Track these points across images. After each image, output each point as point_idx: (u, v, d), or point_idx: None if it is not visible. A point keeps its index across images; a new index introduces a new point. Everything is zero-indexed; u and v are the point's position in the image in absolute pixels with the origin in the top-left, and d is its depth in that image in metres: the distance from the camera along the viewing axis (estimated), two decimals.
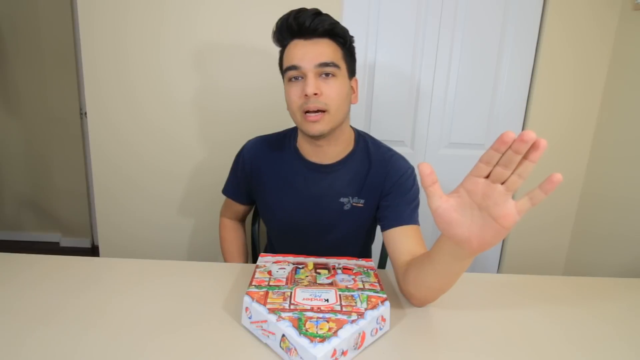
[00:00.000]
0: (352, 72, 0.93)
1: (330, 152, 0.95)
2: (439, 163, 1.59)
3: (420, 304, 0.81)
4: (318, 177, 0.97)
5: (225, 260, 1.14)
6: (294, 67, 0.85)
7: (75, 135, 2.46)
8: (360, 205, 0.98)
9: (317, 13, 0.85)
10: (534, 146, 0.49)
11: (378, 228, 1.03)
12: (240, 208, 1.13)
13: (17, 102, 2.42)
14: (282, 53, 0.92)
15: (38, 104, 2.41)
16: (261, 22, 1.43)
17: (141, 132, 1.50)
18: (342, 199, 0.97)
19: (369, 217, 1.01)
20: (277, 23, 0.89)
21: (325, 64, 0.84)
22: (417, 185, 0.97)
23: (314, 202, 0.98)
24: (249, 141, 1.05)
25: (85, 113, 2.05)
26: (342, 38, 0.88)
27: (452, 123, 1.55)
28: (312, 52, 0.85)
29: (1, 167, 2.53)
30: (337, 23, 0.87)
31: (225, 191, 1.12)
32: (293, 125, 1.01)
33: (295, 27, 0.86)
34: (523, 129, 1.56)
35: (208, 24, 1.42)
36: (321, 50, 0.85)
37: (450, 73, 1.51)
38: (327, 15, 0.87)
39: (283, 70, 0.90)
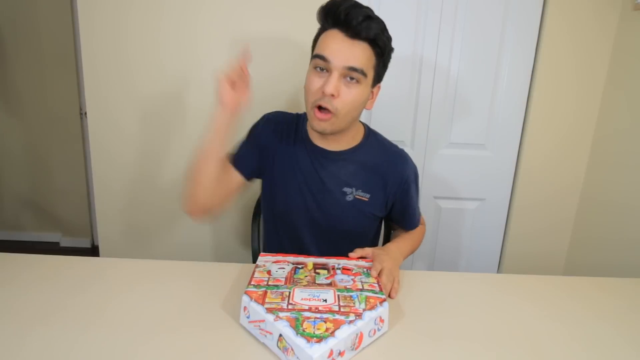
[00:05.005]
0: (378, 79, 0.91)
1: (336, 142, 0.97)
2: (439, 163, 1.59)
3: None
4: (324, 163, 0.98)
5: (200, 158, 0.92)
6: (323, 58, 0.84)
7: (75, 135, 2.46)
8: (364, 199, 0.98)
9: (368, 16, 0.82)
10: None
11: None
12: (234, 180, 0.99)
13: (17, 102, 2.42)
14: (319, 33, 0.89)
15: (38, 104, 2.41)
16: (263, 18, 1.42)
17: (141, 131, 1.50)
18: (345, 189, 0.97)
19: (373, 213, 1.01)
20: (327, 3, 0.85)
21: (354, 69, 0.83)
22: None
23: (318, 186, 0.98)
24: (270, 113, 1.04)
25: (85, 113, 2.05)
26: (381, 49, 0.85)
27: (452, 123, 1.55)
28: (346, 52, 0.82)
29: (1, 167, 2.53)
30: (382, 33, 0.84)
31: (231, 158, 0.99)
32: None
33: (342, 19, 0.82)
34: (523, 129, 1.56)
35: (208, 22, 1.42)
36: (356, 53, 0.83)
37: (450, 73, 1.50)
38: (377, 21, 0.83)
39: (313, 54, 0.88)
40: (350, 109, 0.86)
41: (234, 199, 1.02)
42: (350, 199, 0.98)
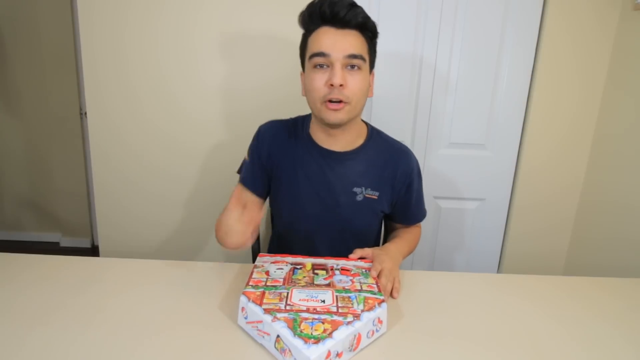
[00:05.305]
0: (372, 66, 0.94)
1: (343, 141, 0.97)
2: (439, 163, 1.59)
3: None
4: (332, 164, 0.97)
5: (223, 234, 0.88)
6: (322, 54, 0.85)
7: (75, 135, 2.46)
8: (374, 197, 0.99)
9: (352, 4, 0.85)
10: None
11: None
12: (256, 207, 0.99)
13: (17, 102, 2.42)
14: (306, 38, 0.91)
15: (38, 104, 2.41)
16: (262, 20, 1.42)
17: (141, 132, 1.50)
18: (355, 189, 0.98)
19: (382, 210, 1.02)
20: (308, 7, 0.88)
21: (354, 56, 0.85)
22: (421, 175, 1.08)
23: (327, 188, 0.98)
24: (264, 125, 1.03)
25: (85, 113, 2.06)
26: (370, 32, 0.89)
27: (452, 123, 1.55)
28: (342, 42, 0.85)
29: (1, 167, 2.53)
30: (369, 17, 0.88)
31: (243, 180, 1.01)
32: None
33: (328, 15, 0.85)
34: (523, 129, 1.55)
35: (207, 24, 1.42)
36: (351, 41, 0.85)
37: (451, 73, 1.50)
38: (361, 8, 0.87)
39: (308, 56, 0.89)
40: (360, 96, 0.89)
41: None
42: (360, 199, 0.98)
